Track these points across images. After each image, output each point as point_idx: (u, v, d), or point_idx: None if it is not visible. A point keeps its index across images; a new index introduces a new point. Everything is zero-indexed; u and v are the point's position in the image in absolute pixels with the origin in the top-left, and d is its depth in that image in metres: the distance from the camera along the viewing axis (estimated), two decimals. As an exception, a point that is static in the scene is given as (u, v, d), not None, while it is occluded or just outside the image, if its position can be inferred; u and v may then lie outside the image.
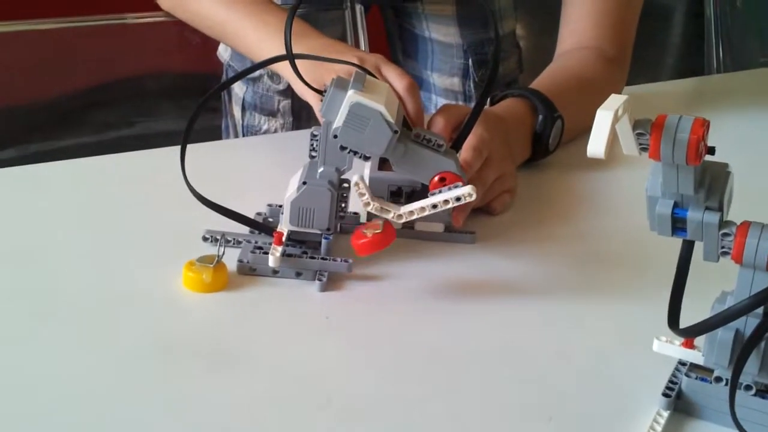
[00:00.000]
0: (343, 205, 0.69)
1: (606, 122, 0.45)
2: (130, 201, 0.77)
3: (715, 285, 0.54)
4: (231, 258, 0.67)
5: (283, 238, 0.66)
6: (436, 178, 0.65)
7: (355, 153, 0.64)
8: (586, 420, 0.55)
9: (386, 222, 0.65)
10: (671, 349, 0.57)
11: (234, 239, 0.70)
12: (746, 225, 0.50)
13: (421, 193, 0.69)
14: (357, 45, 1.17)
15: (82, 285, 0.65)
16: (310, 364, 0.58)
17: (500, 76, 1.17)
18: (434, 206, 0.65)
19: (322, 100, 0.66)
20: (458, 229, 0.73)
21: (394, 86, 0.75)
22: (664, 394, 0.55)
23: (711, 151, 0.49)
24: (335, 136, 0.64)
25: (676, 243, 0.53)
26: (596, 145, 0.45)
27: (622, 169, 0.83)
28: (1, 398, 0.53)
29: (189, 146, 0.67)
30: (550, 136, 0.86)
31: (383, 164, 0.73)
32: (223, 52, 1.14)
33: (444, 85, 1.19)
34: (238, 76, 1.00)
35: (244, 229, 0.71)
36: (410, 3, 1.17)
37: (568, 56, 0.98)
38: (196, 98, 0.69)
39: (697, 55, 1.50)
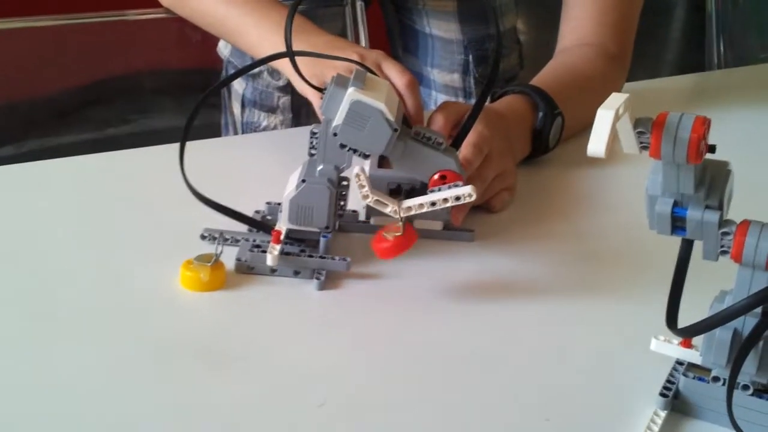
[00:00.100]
0: (342, 203, 0.69)
1: (607, 121, 0.45)
2: (128, 199, 0.77)
3: (713, 284, 0.54)
4: (229, 256, 0.66)
5: (282, 237, 0.66)
6: (436, 176, 0.65)
7: (355, 151, 0.64)
8: (582, 420, 0.55)
9: (407, 224, 0.64)
10: (669, 348, 0.57)
11: (232, 237, 0.69)
12: (746, 224, 0.50)
13: (420, 191, 0.69)
14: (357, 41, 1.17)
15: (78, 283, 0.65)
16: (308, 362, 0.58)
17: (500, 72, 1.17)
18: (433, 204, 0.65)
19: (322, 98, 0.65)
20: (457, 226, 0.73)
21: (394, 83, 0.75)
22: (662, 394, 0.55)
23: (712, 149, 0.49)
24: (335, 134, 0.63)
25: (676, 241, 0.53)
26: (597, 144, 0.45)
27: (621, 166, 0.82)
28: (-2, 397, 0.53)
29: (188, 144, 0.67)
30: (550, 133, 0.86)
31: (383, 162, 0.72)
32: (223, 49, 1.14)
33: (444, 81, 1.18)
34: (238, 73, 1.00)
35: (243, 228, 0.71)
36: (411, -2, 1.16)
37: (568, 53, 0.98)
38: (195, 95, 0.68)
39: (698, 50, 1.50)
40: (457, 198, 0.64)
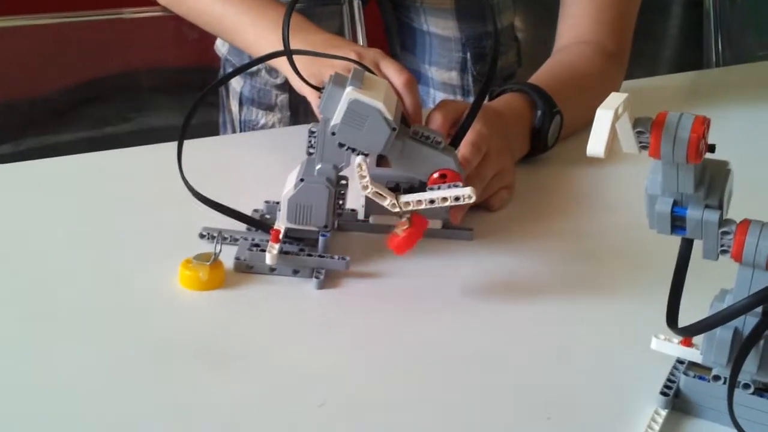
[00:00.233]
0: (340, 202, 0.68)
1: (606, 121, 0.45)
2: (127, 198, 0.77)
3: (713, 283, 0.54)
4: (228, 255, 0.66)
5: (281, 236, 0.66)
6: (436, 175, 0.65)
7: (353, 150, 0.64)
8: (583, 419, 0.55)
9: (413, 214, 0.64)
10: (669, 347, 0.57)
11: (231, 236, 0.69)
12: (746, 223, 0.50)
13: (418, 190, 0.68)
14: (355, 39, 1.17)
15: (77, 282, 0.65)
16: (308, 362, 0.58)
17: (498, 70, 1.17)
18: (432, 201, 0.64)
19: (320, 97, 0.65)
20: (456, 225, 0.73)
21: (392, 82, 0.75)
22: (662, 393, 0.55)
23: (711, 149, 0.49)
24: (333, 133, 0.63)
25: (675, 241, 0.53)
26: (596, 144, 0.45)
27: (621, 165, 0.82)
28: (-3, 398, 0.53)
29: (186, 142, 0.67)
30: (548, 132, 0.86)
31: (381, 161, 0.72)
32: (221, 47, 1.14)
33: (442, 78, 1.18)
34: (236, 72, 0.99)
35: (241, 227, 0.71)
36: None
37: (566, 51, 0.97)
38: (193, 93, 0.68)
39: (696, 48, 1.49)
40: (457, 198, 0.64)
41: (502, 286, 0.68)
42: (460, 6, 1.15)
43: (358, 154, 0.64)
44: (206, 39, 1.11)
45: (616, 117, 0.46)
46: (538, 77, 0.91)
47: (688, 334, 0.53)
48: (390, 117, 0.63)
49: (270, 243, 0.65)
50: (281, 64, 0.80)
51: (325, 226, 0.66)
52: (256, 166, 0.86)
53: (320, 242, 0.68)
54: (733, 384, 0.51)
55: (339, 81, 0.65)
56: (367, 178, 0.63)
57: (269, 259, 0.64)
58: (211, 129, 1.16)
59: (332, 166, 0.66)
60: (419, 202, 0.64)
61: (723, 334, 0.51)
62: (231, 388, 0.55)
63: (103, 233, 0.72)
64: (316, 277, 0.66)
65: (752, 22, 1.52)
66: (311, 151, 0.68)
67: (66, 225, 0.73)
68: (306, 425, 0.53)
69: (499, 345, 0.61)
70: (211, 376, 0.56)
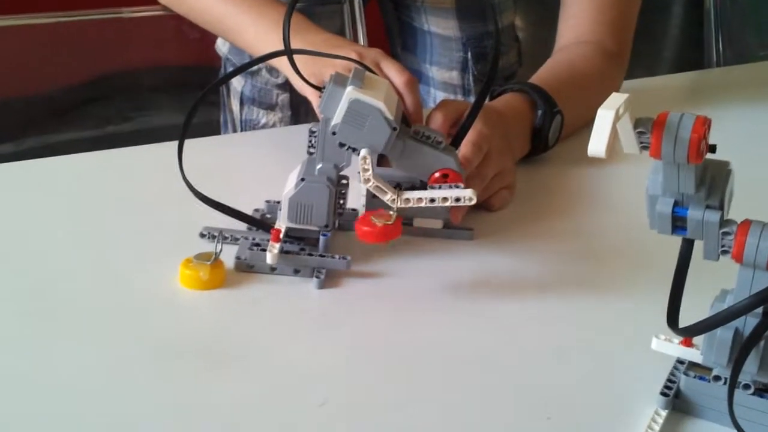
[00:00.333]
0: (341, 201, 0.68)
1: (607, 122, 0.45)
2: (127, 197, 0.77)
3: (714, 283, 0.54)
4: (228, 255, 0.66)
5: (281, 235, 0.66)
6: (438, 174, 0.65)
7: (354, 150, 0.64)
8: (583, 419, 0.55)
9: (399, 217, 0.64)
10: (670, 347, 0.57)
11: (231, 236, 0.69)
12: (747, 224, 0.50)
13: (419, 190, 0.69)
14: (355, 38, 1.16)
15: (77, 282, 0.65)
16: (308, 361, 0.58)
17: (499, 70, 1.17)
18: (432, 200, 0.64)
19: (320, 97, 0.65)
20: (456, 225, 0.73)
21: (393, 82, 0.75)
22: (663, 393, 0.55)
23: (712, 149, 0.49)
24: (334, 133, 0.63)
25: (676, 241, 0.52)
26: (597, 144, 0.45)
27: (621, 165, 0.82)
28: (-3, 397, 0.53)
29: (186, 141, 0.67)
30: (549, 131, 0.86)
31: (382, 160, 0.72)
32: (222, 46, 1.14)
33: (443, 78, 1.18)
34: (237, 71, 0.99)
35: (242, 226, 0.71)
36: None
37: (567, 51, 0.97)
38: (194, 92, 0.68)
39: (696, 47, 1.49)
40: (458, 199, 0.64)
41: (503, 286, 0.68)
42: (461, 6, 1.15)
43: (358, 154, 0.64)
44: (207, 38, 1.11)
45: (617, 117, 0.46)
46: (538, 77, 0.91)
47: (688, 334, 0.53)
48: (391, 117, 0.63)
49: (271, 242, 0.65)
50: (282, 63, 0.80)
51: (326, 226, 0.66)
52: (257, 165, 0.86)
53: (321, 242, 0.68)
54: (733, 384, 0.51)
55: (340, 81, 0.65)
56: (371, 172, 0.63)
57: (270, 258, 0.64)
58: (212, 128, 1.16)
59: (333, 165, 0.66)
60: (420, 200, 0.64)
61: (723, 334, 0.51)
62: (231, 388, 0.55)
63: (104, 232, 0.72)
64: (317, 277, 0.66)
65: (753, 21, 1.52)
66: (312, 150, 0.68)
67: (66, 224, 0.73)
68: (306, 425, 0.53)
69: (499, 345, 0.61)
70: (212, 376, 0.56)
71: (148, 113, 1.15)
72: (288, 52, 0.66)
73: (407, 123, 0.72)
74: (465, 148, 0.72)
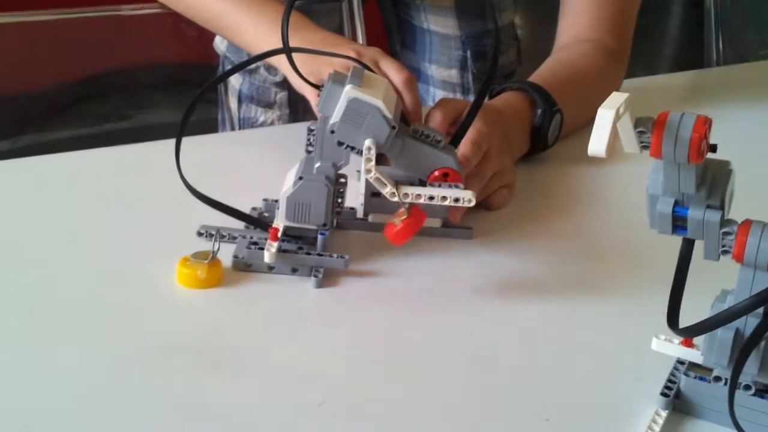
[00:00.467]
0: (339, 200, 0.68)
1: (607, 121, 0.45)
2: (124, 195, 0.77)
3: (714, 283, 0.54)
4: (226, 254, 0.66)
5: (279, 234, 0.66)
6: (437, 173, 0.65)
7: (353, 148, 0.64)
8: (583, 420, 0.54)
9: (413, 206, 0.64)
10: (670, 347, 0.56)
11: (229, 234, 0.69)
12: (747, 224, 0.50)
13: (418, 188, 0.68)
14: (354, 36, 1.16)
15: (74, 280, 0.64)
16: (306, 361, 0.58)
17: (499, 69, 1.17)
18: (431, 198, 0.64)
19: (319, 95, 0.65)
20: (455, 224, 0.72)
21: (392, 81, 0.74)
22: (663, 394, 0.54)
23: (713, 148, 0.49)
24: (332, 132, 0.63)
25: (676, 240, 0.52)
26: (597, 144, 0.45)
27: (621, 164, 0.82)
28: (-7, 397, 0.53)
29: (184, 139, 0.66)
30: (548, 130, 0.86)
31: (380, 159, 0.72)
32: (220, 44, 1.13)
33: (442, 77, 1.18)
34: (235, 70, 0.99)
35: (240, 225, 0.70)
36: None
37: (567, 49, 0.97)
38: (192, 90, 0.68)
39: (696, 46, 1.49)
40: (456, 200, 0.64)
41: (502, 286, 0.68)
42: (460, 4, 1.14)
43: (357, 153, 0.64)
44: (205, 36, 1.11)
45: (618, 117, 0.45)
46: (538, 75, 0.90)
47: (689, 334, 0.53)
48: (389, 115, 0.62)
49: (268, 241, 0.65)
50: (280, 62, 0.80)
51: (324, 225, 0.66)
52: (255, 163, 0.85)
53: (319, 241, 0.67)
54: (734, 385, 0.50)
55: (338, 79, 0.64)
56: (373, 162, 0.63)
57: (268, 257, 0.64)
58: (210, 126, 1.16)
59: (331, 164, 0.65)
60: (419, 195, 0.64)
61: (724, 334, 0.51)
62: (228, 387, 0.55)
63: (101, 230, 0.71)
64: (315, 276, 0.65)
65: (753, 20, 1.52)
66: (310, 149, 0.68)
67: (63, 222, 0.72)
68: (304, 424, 0.53)
69: (498, 344, 0.61)
70: (209, 374, 0.56)
71: (145, 111, 1.15)
72: (287, 50, 0.66)
73: (406, 122, 0.72)
74: (464, 146, 0.72)
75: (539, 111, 0.85)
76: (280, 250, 0.65)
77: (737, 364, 0.50)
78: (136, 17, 1.09)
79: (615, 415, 0.54)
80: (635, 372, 0.58)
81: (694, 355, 0.56)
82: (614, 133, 0.45)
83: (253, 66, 1.08)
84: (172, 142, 0.66)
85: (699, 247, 0.51)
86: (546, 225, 0.77)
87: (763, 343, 0.51)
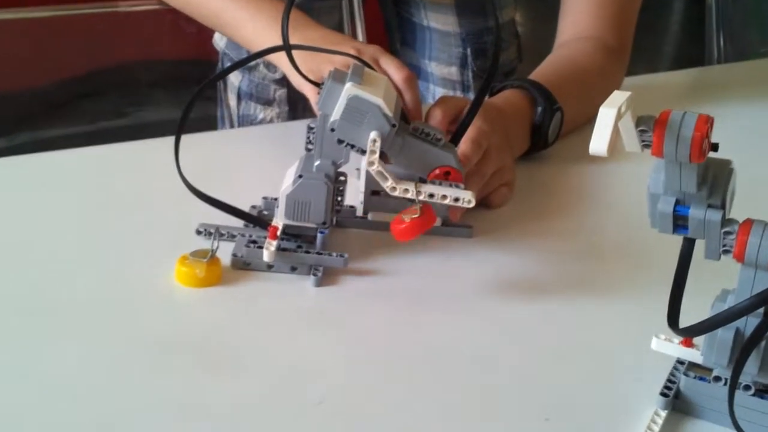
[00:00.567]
0: (339, 198, 0.68)
1: (609, 120, 0.44)
2: (123, 193, 0.76)
3: (715, 283, 0.53)
4: (225, 252, 0.66)
5: (278, 232, 0.65)
6: (438, 171, 0.65)
7: (353, 146, 0.63)
8: (583, 419, 0.54)
9: (425, 206, 0.64)
10: (670, 347, 0.56)
11: (228, 233, 0.69)
12: (749, 223, 0.49)
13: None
14: (354, 34, 1.16)
15: (72, 278, 0.64)
16: (305, 359, 0.58)
17: (499, 66, 1.16)
18: (431, 195, 0.64)
19: (318, 93, 0.65)
20: (455, 223, 0.72)
21: (392, 78, 0.74)
22: (662, 394, 0.54)
23: (714, 147, 0.49)
24: (332, 130, 0.63)
25: (677, 240, 0.52)
26: (599, 142, 0.45)
27: (622, 162, 0.81)
28: (-9, 396, 0.53)
29: (183, 137, 0.66)
30: (549, 128, 0.85)
31: (381, 157, 0.72)
32: (219, 41, 1.13)
33: (442, 74, 1.18)
34: (234, 67, 0.99)
35: (239, 223, 0.70)
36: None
37: (567, 47, 0.97)
38: (190, 87, 0.68)
39: (697, 43, 1.49)
40: (456, 200, 0.64)
41: (502, 285, 0.67)
42: (460, 1, 1.14)
43: (357, 151, 0.63)
44: (204, 33, 1.10)
45: (619, 115, 0.45)
46: (538, 73, 0.90)
47: (689, 334, 0.53)
48: (389, 113, 0.62)
49: (268, 240, 0.65)
50: (280, 59, 0.80)
51: (324, 223, 0.66)
52: (254, 161, 0.85)
53: (318, 239, 0.67)
54: (734, 385, 0.50)
55: (338, 77, 0.64)
56: (377, 155, 0.62)
57: (267, 255, 0.64)
58: (209, 124, 1.16)
59: (331, 162, 0.65)
60: (419, 192, 0.64)
61: (724, 335, 0.51)
62: (228, 386, 0.55)
63: (99, 229, 0.71)
64: (314, 275, 0.65)
65: (754, 17, 1.51)
66: (310, 147, 0.68)
67: (61, 220, 0.72)
68: (304, 423, 0.52)
69: (497, 344, 0.61)
70: (208, 373, 0.56)
71: (143, 108, 1.14)
72: (286, 47, 0.65)
73: (406, 120, 0.71)
74: (464, 145, 0.71)
75: (539, 109, 0.85)
76: (279, 249, 0.65)
77: (737, 364, 0.50)
78: (135, 14, 1.09)
79: (615, 415, 0.54)
80: (635, 372, 0.57)
81: (694, 355, 0.55)
82: (616, 132, 0.45)
83: (252, 63, 1.08)
84: (170, 139, 0.66)
85: (699, 246, 0.51)
86: (546, 224, 0.77)
87: (763, 343, 0.50)
